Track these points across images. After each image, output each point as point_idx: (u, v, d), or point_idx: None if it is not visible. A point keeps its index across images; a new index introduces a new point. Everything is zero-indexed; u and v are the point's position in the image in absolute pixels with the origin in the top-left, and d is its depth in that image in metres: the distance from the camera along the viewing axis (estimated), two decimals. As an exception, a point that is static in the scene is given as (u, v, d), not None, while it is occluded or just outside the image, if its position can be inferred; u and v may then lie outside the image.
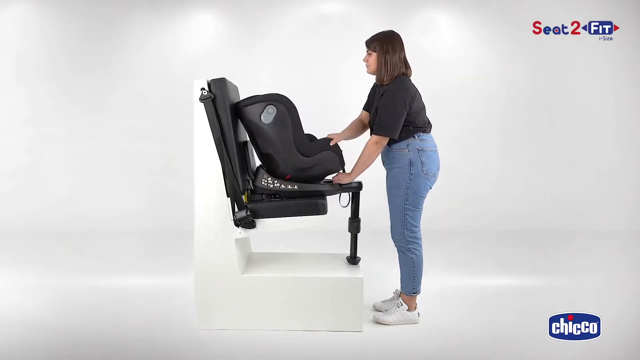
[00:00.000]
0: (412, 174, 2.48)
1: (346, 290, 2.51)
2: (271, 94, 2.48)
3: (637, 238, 4.60)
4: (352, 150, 2.73)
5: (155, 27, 4.95)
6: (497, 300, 2.99)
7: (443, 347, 2.41)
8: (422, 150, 2.49)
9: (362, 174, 2.57)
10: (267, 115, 2.44)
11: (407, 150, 2.49)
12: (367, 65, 2.58)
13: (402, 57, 2.52)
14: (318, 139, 2.64)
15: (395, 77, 2.49)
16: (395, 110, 2.42)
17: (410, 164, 2.48)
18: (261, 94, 2.49)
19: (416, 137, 2.50)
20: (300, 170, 2.51)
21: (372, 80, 2.65)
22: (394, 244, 2.62)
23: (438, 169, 2.55)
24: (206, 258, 2.50)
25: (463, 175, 4.97)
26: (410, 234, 2.54)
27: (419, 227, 2.57)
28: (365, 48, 2.58)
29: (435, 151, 2.55)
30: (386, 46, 2.49)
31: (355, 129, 2.74)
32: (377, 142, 2.48)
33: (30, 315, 2.71)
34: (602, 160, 5.03)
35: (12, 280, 3.27)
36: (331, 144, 2.56)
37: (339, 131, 2.74)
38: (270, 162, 2.55)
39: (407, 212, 2.51)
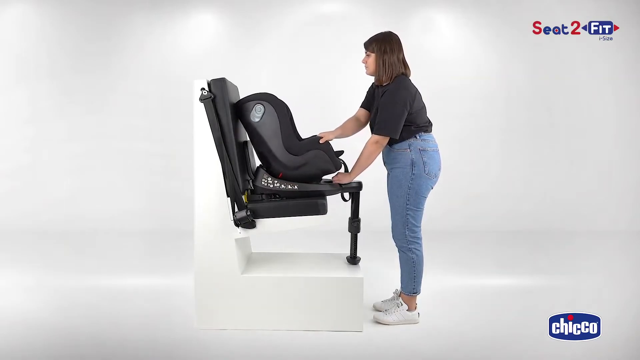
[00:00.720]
0: (414, 174, 2.47)
1: (346, 290, 2.51)
2: (261, 93, 2.49)
3: (637, 238, 4.60)
4: (352, 149, 2.72)
5: (155, 27, 4.95)
6: (497, 300, 2.98)
7: (443, 347, 2.41)
8: (423, 150, 2.49)
9: (362, 173, 2.56)
10: (255, 114, 2.46)
11: (408, 150, 2.48)
12: (366, 67, 2.58)
13: (400, 57, 2.52)
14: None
15: (395, 77, 2.50)
16: (395, 110, 2.42)
17: (412, 164, 2.47)
18: (253, 94, 2.50)
19: (418, 137, 2.50)
20: (290, 169, 2.51)
21: (372, 80, 2.64)
22: (394, 244, 2.62)
23: (439, 169, 2.55)
24: (206, 258, 2.50)
25: (463, 175, 4.96)
26: (412, 234, 2.54)
27: (420, 227, 2.57)
28: (364, 50, 2.58)
29: (437, 151, 2.55)
30: (384, 47, 2.49)
31: (350, 127, 2.72)
32: (377, 142, 2.48)
33: (30, 315, 2.70)
34: (602, 160, 5.04)
35: (12, 280, 3.27)
36: (320, 142, 2.54)
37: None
38: (263, 159, 2.56)
39: (408, 212, 2.51)
